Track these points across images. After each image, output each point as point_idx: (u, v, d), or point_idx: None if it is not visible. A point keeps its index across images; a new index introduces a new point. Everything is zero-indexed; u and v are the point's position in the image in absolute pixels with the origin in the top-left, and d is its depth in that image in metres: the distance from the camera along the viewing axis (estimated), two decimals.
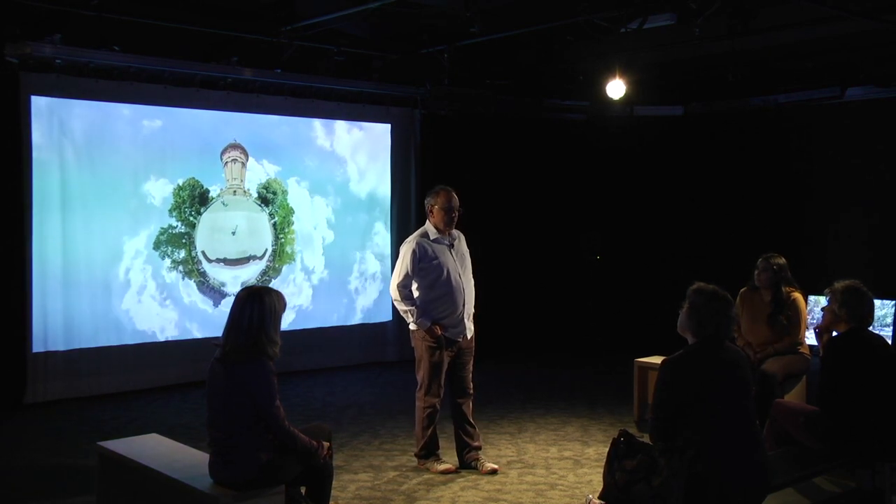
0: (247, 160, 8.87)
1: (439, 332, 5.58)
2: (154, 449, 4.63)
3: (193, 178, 8.53)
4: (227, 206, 8.78)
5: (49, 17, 7.29)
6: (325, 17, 7.64)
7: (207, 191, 8.63)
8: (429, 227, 5.69)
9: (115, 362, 7.98)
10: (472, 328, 5.80)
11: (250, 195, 8.92)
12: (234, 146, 8.76)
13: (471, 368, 5.84)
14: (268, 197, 9.05)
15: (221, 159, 8.71)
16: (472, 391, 5.83)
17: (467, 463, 5.75)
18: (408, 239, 5.75)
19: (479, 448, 5.84)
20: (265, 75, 8.57)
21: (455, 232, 5.77)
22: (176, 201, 8.44)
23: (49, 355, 7.61)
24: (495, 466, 5.74)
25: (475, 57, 9.30)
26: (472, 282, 5.84)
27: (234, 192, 8.81)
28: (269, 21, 7.95)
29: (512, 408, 7.55)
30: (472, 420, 5.82)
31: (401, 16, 7.95)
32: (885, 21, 7.23)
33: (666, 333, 4.89)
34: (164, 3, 7.70)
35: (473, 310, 5.83)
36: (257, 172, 8.96)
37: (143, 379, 8.10)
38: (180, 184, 8.46)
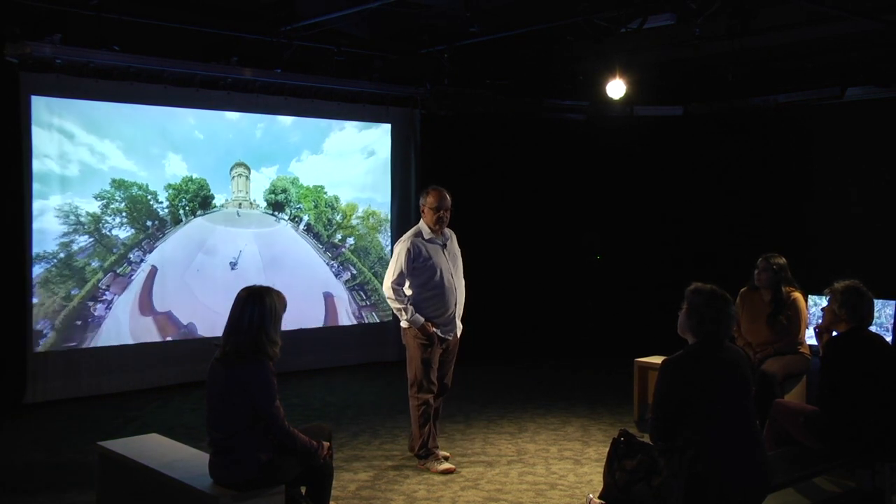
0: (249, 173, 8.70)
1: (431, 329, 5.65)
2: (154, 449, 4.63)
3: (204, 179, 8.33)
4: (239, 217, 8.17)
5: (49, 17, 7.28)
6: (325, 17, 7.63)
7: (213, 196, 8.40)
8: (422, 226, 5.75)
9: (115, 362, 7.97)
10: (461, 327, 5.90)
11: (258, 206, 8.59)
12: (240, 164, 8.62)
13: (452, 366, 5.97)
14: (279, 200, 8.58)
15: (230, 174, 8.56)
16: (448, 389, 5.99)
17: (422, 456, 5.81)
18: (402, 238, 5.80)
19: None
20: (265, 75, 8.56)
21: (448, 231, 5.84)
22: (180, 185, 8.09)
23: (49, 355, 7.61)
24: (451, 466, 5.79)
25: (475, 57, 9.29)
26: (463, 282, 5.92)
27: (240, 204, 8.52)
28: (269, 21, 7.95)
29: (512, 408, 7.55)
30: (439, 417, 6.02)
31: (401, 16, 7.95)
32: (885, 21, 7.23)
33: (666, 333, 4.89)
34: (164, 3, 7.70)
35: (463, 310, 5.92)
36: (261, 183, 8.73)
37: (143, 379, 8.09)
38: (193, 177, 8.21)
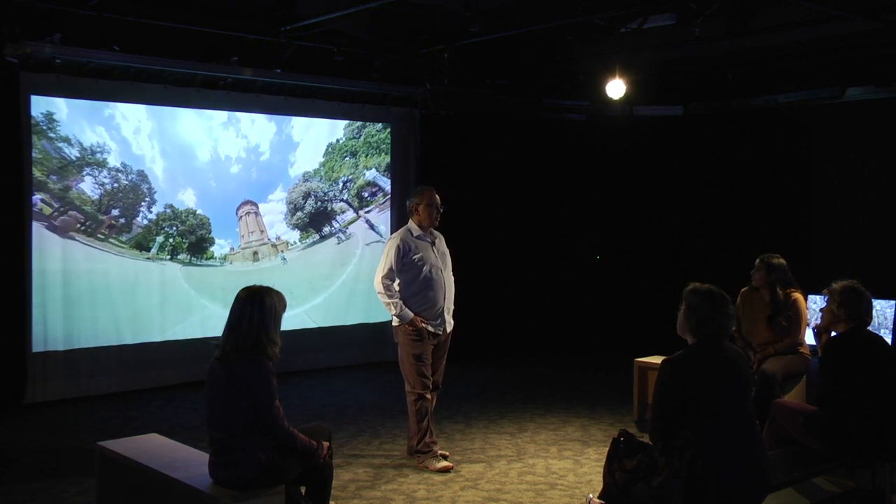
0: (258, 209, 8.18)
1: (421, 324, 5.76)
2: (154, 449, 4.63)
3: (204, 214, 7.64)
4: (286, 262, 7.23)
5: (49, 16, 7.28)
6: (325, 16, 7.63)
7: (212, 240, 7.77)
8: (412, 225, 5.94)
9: (115, 362, 7.97)
10: (452, 322, 6.00)
11: (291, 246, 7.68)
12: (247, 202, 8.14)
13: (444, 363, 6.04)
14: (312, 211, 7.74)
15: (236, 215, 8.03)
16: (441, 385, 6.04)
17: (422, 452, 5.84)
18: (393, 235, 6.03)
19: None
20: (265, 75, 8.55)
21: (436, 232, 6.02)
22: (176, 216, 7.63)
23: (49, 355, 7.60)
24: (449, 465, 5.82)
25: (475, 57, 9.29)
26: (452, 278, 6.06)
27: (256, 253, 7.51)
28: (269, 21, 7.94)
29: (512, 408, 7.55)
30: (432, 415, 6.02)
31: (401, 16, 7.95)
32: (885, 21, 7.23)
33: (666, 333, 4.89)
34: (164, 3, 7.70)
35: (453, 306, 6.03)
36: (275, 216, 8.17)
37: (143, 379, 8.09)
38: (197, 212, 7.57)
